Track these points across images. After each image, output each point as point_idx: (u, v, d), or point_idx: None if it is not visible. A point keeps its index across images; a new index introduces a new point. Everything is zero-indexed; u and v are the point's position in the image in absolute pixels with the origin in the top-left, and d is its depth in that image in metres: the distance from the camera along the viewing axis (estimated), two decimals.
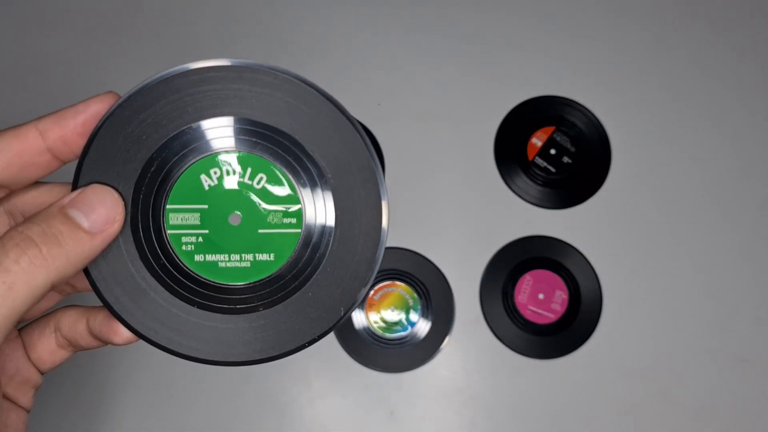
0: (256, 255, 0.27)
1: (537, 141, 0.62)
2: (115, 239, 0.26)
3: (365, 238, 0.27)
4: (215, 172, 0.27)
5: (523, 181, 0.61)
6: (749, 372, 0.58)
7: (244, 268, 0.27)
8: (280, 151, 0.27)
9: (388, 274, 0.59)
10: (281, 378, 0.57)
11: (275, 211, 0.27)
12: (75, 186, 0.27)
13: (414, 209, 0.60)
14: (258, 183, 0.27)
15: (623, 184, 0.61)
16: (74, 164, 0.28)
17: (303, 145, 0.27)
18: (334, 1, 0.64)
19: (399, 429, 0.56)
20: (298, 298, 0.27)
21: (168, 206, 0.27)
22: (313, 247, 0.27)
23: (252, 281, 0.27)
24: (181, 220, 0.27)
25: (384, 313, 0.58)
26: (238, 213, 0.27)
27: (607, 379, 0.58)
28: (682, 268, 0.60)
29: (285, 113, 0.27)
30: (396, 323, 0.58)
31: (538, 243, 0.60)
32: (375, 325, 0.58)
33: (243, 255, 0.27)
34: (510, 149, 0.62)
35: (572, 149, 0.62)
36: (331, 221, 0.27)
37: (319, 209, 0.27)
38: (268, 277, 0.27)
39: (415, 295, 0.58)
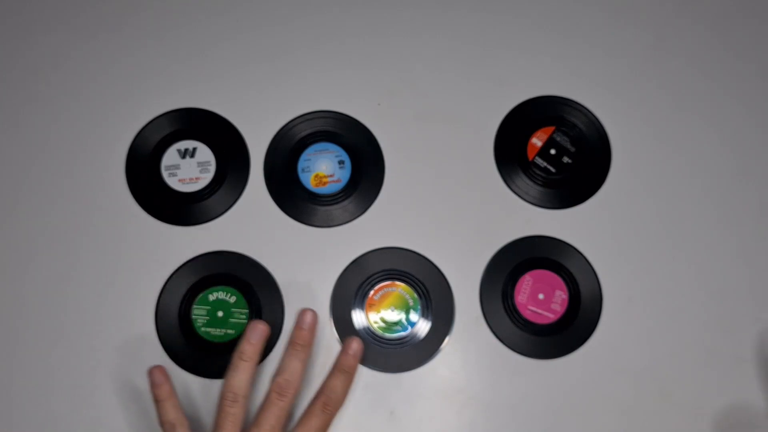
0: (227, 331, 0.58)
1: (537, 141, 0.62)
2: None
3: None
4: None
5: (523, 181, 0.61)
6: (749, 372, 0.58)
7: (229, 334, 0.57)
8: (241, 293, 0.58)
9: (388, 274, 0.59)
10: None
11: (237, 313, 0.57)
12: None
13: (414, 209, 0.60)
14: (230, 299, 0.58)
15: (623, 184, 0.61)
16: None
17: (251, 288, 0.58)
18: (334, 2, 0.64)
19: (399, 429, 0.56)
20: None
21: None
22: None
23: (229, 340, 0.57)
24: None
25: (384, 313, 0.58)
26: (221, 312, 0.57)
27: (606, 379, 0.58)
28: (682, 268, 0.60)
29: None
30: (396, 323, 0.58)
31: (538, 243, 0.60)
32: (375, 325, 0.58)
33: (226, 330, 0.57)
34: (510, 149, 0.62)
35: (572, 149, 0.62)
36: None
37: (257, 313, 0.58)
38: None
39: (415, 295, 0.58)
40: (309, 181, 0.60)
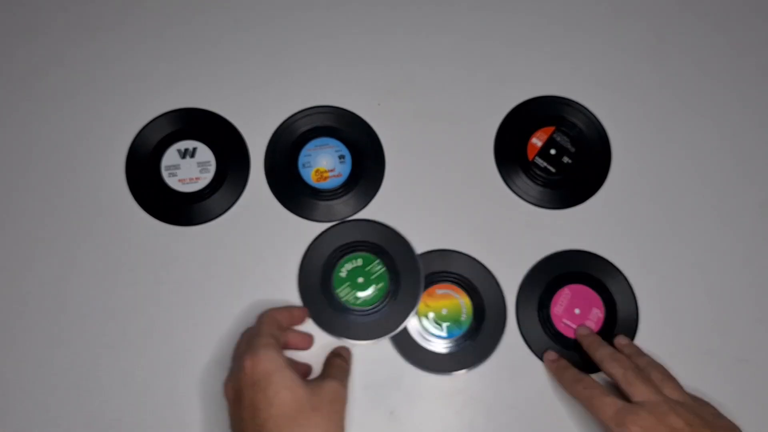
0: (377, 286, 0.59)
1: (537, 141, 0.62)
2: None
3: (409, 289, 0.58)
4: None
5: (523, 181, 0.61)
6: (749, 372, 0.58)
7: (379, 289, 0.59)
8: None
9: (453, 278, 0.58)
10: None
11: (372, 269, 0.59)
12: None
13: (413, 209, 0.60)
14: (376, 268, 0.59)
15: (623, 184, 0.61)
16: None
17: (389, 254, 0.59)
18: (334, 2, 0.64)
19: (399, 429, 0.56)
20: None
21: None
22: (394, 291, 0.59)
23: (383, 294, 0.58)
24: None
25: (436, 312, 0.58)
26: (361, 278, 0.59)
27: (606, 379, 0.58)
28: (682, 268, 0.60)
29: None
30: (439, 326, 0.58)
31: (582, 258, 0.59)
32: (427, 317, 0.58)
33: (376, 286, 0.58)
34: (510, 149, 0.62)
35: (572, 149, 0.62)
36: (393, 295, 0.58)
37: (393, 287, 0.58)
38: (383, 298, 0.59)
39: (470, 315, 0.58)
40: (310, 176, 0.60)
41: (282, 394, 0.45)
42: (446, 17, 0.64)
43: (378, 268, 0.58)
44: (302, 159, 0.60)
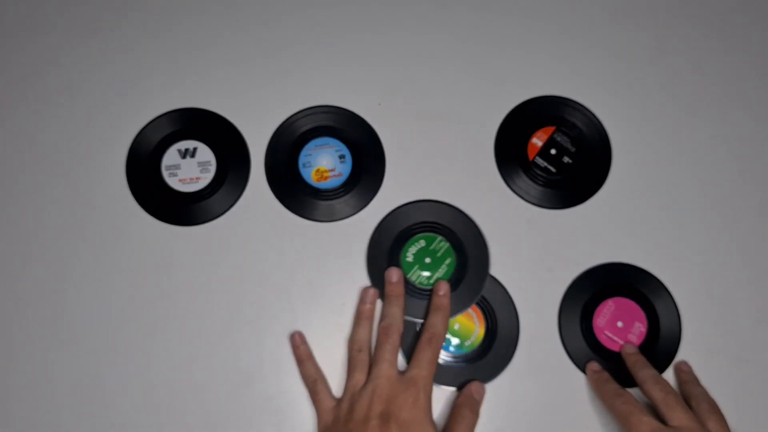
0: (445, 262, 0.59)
1: (537, 141, 0.62)
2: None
3: (477, 265, 0.59)
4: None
5: (523, 181, 0.61)
6: (749, 372, 0.58)
7: (449, 265, 0.59)
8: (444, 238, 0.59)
9: (484, 306, 0.58)
10: (281, 379, 0.57)
11: (436, 247, 0.59)
12: None
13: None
14: (439, 245, 0.59)
15: (623, 184, 0.61)
16: None
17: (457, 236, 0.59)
18: (334, 1, 0.65)
19: None
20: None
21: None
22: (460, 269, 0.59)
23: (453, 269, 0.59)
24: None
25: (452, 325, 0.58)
26: (428, 258, 0.59)
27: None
28: (682, 268, 0.60)
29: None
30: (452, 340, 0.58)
31: (630, 272, 0.59)
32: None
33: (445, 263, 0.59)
34: (510, 149, 0.62)
35: (572, 149, 0.62)
36: (462, 267, 0.59)
37: (461, 259, 0.59)
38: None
39: (479, 341, 0.58)
40: (310, 176, 0.60)
41: None
42: (446, 17, 0.64)
43: (442, 244, 0.58)
44: (302, 159, 0.60)
